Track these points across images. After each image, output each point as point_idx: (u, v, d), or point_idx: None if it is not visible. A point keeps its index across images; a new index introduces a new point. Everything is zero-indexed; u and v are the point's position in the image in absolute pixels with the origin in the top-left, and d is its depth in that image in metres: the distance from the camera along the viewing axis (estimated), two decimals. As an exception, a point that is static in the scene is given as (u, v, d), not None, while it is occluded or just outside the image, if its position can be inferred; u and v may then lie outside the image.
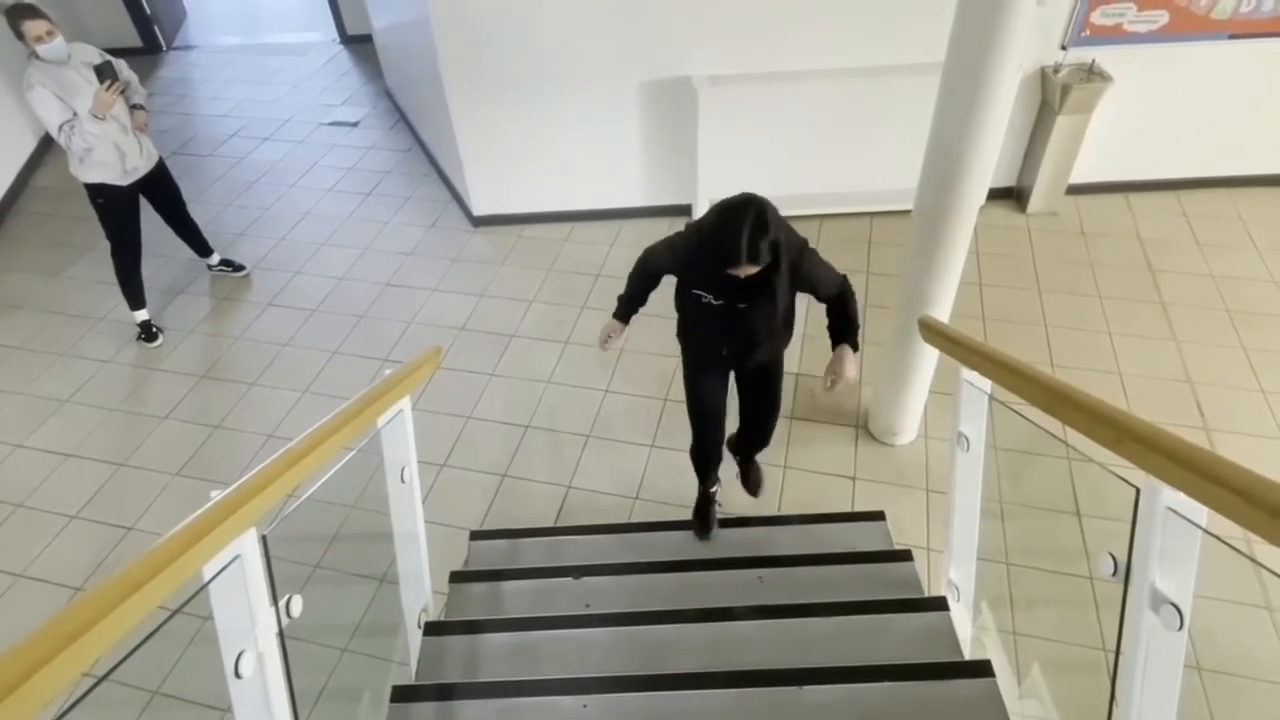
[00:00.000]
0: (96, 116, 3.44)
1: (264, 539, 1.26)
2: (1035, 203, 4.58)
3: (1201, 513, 1.13)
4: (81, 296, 4.46)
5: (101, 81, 3.42)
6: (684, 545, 2.75)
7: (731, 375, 2.64)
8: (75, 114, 3.42)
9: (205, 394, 3.84)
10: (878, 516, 2.75)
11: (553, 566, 2.59)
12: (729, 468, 3.16)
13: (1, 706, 0.71)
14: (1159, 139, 4.49)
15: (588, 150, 4.54)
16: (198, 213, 4.40)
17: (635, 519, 3.15)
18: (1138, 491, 1.22)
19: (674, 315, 2.45)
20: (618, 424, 3.55)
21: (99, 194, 3.72)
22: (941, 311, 2.88)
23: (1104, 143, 4.40)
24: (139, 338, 4.13)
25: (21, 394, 3.87)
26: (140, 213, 3.93)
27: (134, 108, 3.72)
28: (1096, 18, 4.02)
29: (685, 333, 2.52)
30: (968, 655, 2.02)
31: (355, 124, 6.05)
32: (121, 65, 3.62)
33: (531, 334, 4.08)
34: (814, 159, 4.49)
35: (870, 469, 3.28)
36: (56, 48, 3.33)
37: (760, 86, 4.17)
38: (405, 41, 5.11)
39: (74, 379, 3.94)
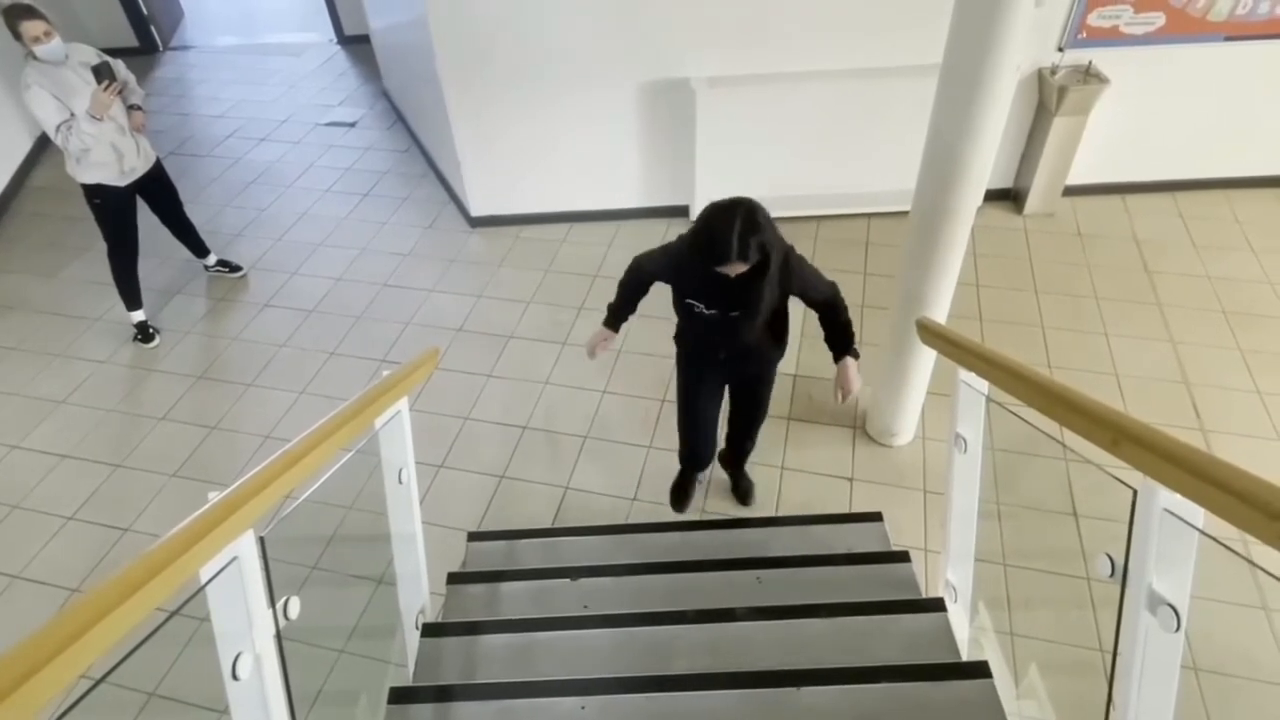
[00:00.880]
0: (94, 117, 3.43)
1: (262, 540, 1.26)
2: (1032, 204, 4.59)
3: (1198, 514, 1.13)
4: (78, 297, 4.45)
5: (99, 82, 3.41)
6: (682, 546, 2.75)
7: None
8: (72, 114, 3.41)
9: (202, 395, 3.84)
10: (875, 517, 2.75)
11: (551, 568, 2.59)
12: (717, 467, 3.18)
13: (-1, 709, 0.70)
14: (1155, 140, 4.50)
15: (585, 151, 4.54)
16: (195, 213, 4.39)
17: (633, 520, 3.15)
18: (1135, 493, 1.22)
19: (671, 316, 2.46)
20: (615, 425, 3.55)
21: (96, 194, 3.71)
22: (939, 312, 2.89)
23: (1101, 144, 4.41)
24: (135, 338, 4.13)
25: (18, 395, 3.86)
26: (137, 213, 3.92)
27: (131, 108, 3.71)
28: (1093, 20, 4.03)
29: (681, 346, 2.58)
30: (965, 656, 2.02)
31: (353, 124, 6.05)
32: (119, 65, 3.61)
33: (529, 335, 4.08)
34: (812, 160, 4.49)
35: (868, 470, 3.28)
36: (54, 48, 3.32)
37: (758, 88, 4.18)
38: (403, 42, 5.11)
39: (70, 380, 3.94)
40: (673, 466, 3.15)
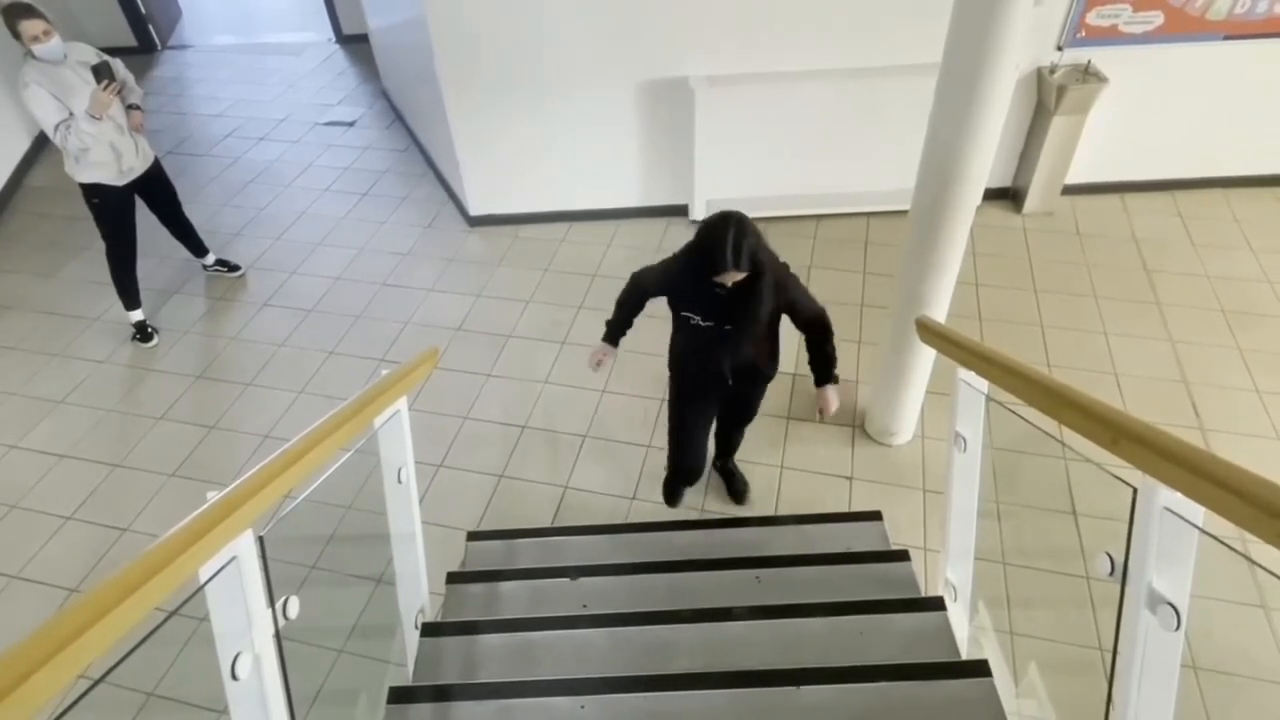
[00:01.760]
0: (93, 116, 3.43)
1: (261, 540, 1.25)
2: (1031, 203, 4.59)
3: (1198, 512, 1.13)
4: (76, 297, 4.44)
5: (99, 81, 3.40)
6: (681, 546, 2.75)
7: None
8: (71, 114, 3.40)
9: (201, 394, 3.83)
10: (875, 517, 2.75)
11: (550, 567, 2.58)
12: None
13: (-3, 709, 0.70)
14: (1154, 140, 4.51)
15: (584, 150, 4.54)
16: (193, 213, 4.39)
17: (632, 519, 3.15)
18: (1134, 491, 1.23)
19: (670, 316, 2.47)
20: (615, 424, 3.55)
21: (94, 194, 3.71)
22: (938, 312, 2.89)
23: (1100, 143, 4.41)
24: (134, 338, 4.12)
25: (16, 395, 3.86)
26: (136, 213, 3.92)
27: (130, 107, 3.70)
28: (1092, 19, 4.03)
29: (676, 361, 2.64)
30: (965, 655, 2.02)
31: (351, 124, 6.04)
32: (118, 65, 3.61)
33: (528, 334, 4.07)
34: (811, 159, 4.50)
35: (867, 469, 3.28)
36: (53, 47, 3.31)
37: (757, 87, 4.18)
38: (402, 41, 5.11)
39: (69, 379, 3.93)
40: (672, 466, 3.16)
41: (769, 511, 3.15)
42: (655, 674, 1.99)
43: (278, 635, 1.30)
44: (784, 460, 3.33)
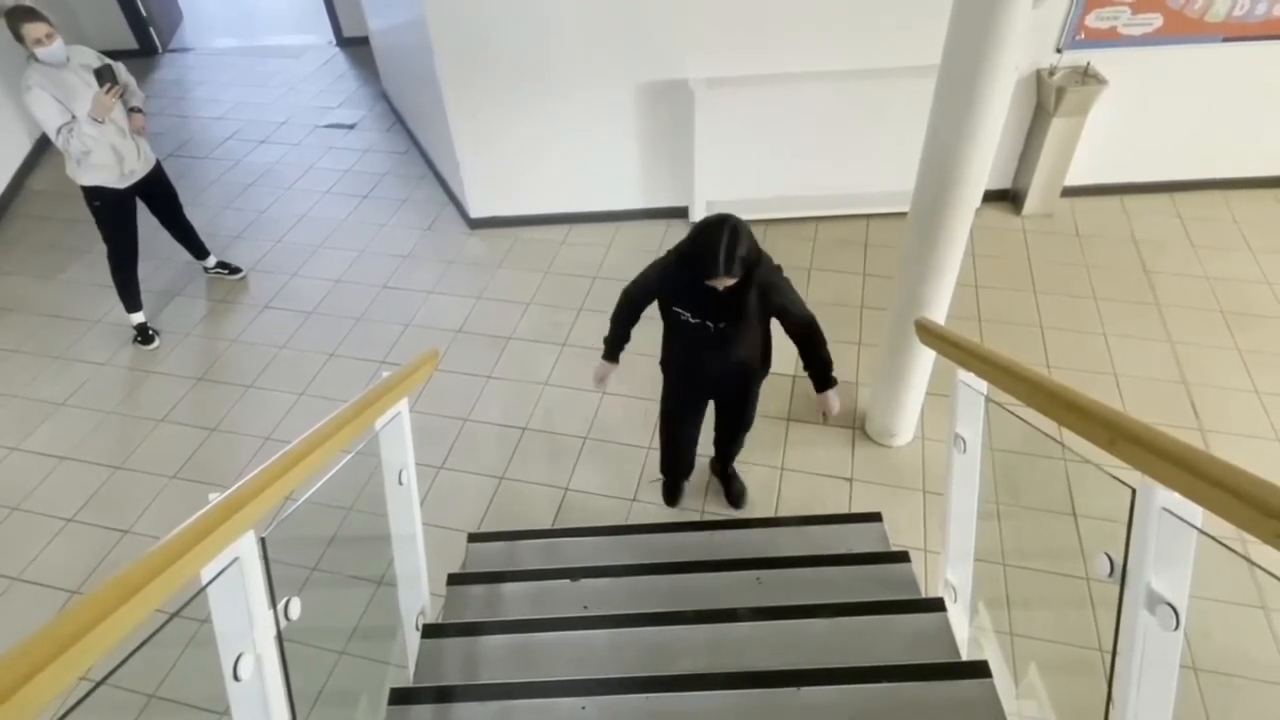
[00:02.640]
0: (95, 119, 3.43)
1: (263, 541, 1.26)
2: (1031, 205, 4.59)
3: (1197, 513, 1.13)
4: (77, 299, 4.45)
5: (101, 84, 3.41)
6: (682, 547, 2.75)
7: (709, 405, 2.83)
8: (74, 117, 3.41)
9: (202, 396, 3.84)
10: (875, 518, 2.75)
11: (551, 568, 2.59)
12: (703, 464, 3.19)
13: None
14: (1154, 141, 4.51)
15: (585, 152, 4.54)
16: (194, 215, 4.39)
17: (633, 520, 3.15)
18: (1133, 492, 1.23)
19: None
20: (615, 426, 3.55)
21: (96, 196, 3.71)
22: (938, 313, 2.89)
23: (1099, 145, 4.42)
24: (135, 340, 4.13)
25: (17, 397, 3.86)
26: (137, 215, 3.92)
27: (132, 110, 3.71)
28: (1091, 21, 4.04)
29: (668, 361, 2.65)
30: (965, 656, 2.02)
31: (352, 126, 6.05)
32: (120, 68, 3.61)
33: (529, 336, 4.08)
34: (810, 161, 4.50)
35: (867, 470, 3.29)
36: (56, 50, 3.32)
37: (757, 89, 4.18)
38: (402, 43, 5.12)
39: (70, 382, 3.94)
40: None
41: (770, 513, 3.15)
42: (656, 675, 1.99)
43: (279, 636, 1.31)
44: (784, 462, 3.34)
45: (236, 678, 1.21)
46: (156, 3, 7.20)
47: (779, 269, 2.36)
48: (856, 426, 3.47)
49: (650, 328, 2.61)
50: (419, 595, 2.19)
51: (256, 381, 3.89)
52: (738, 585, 2.42)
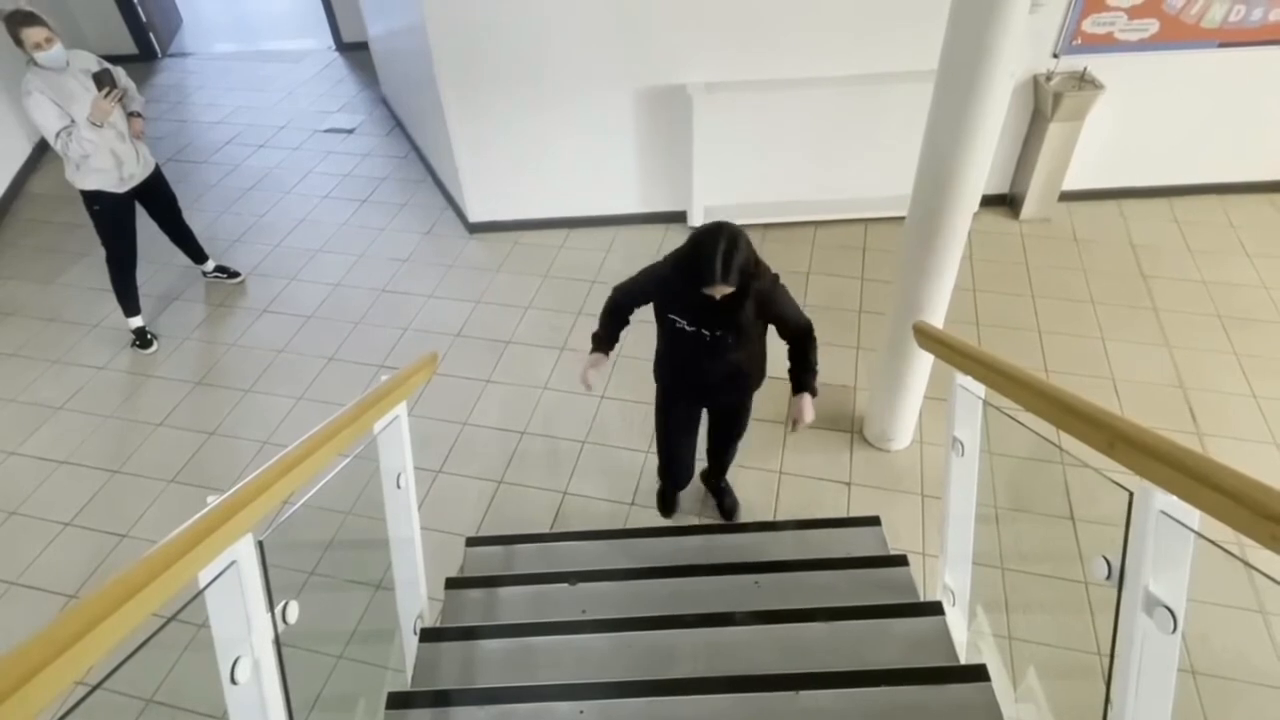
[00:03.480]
0: (94, 124, 3.44)
1: (261, 545, 1.26)
2: (1028, 209, 4.61)
3: (1194, 516, 1.13)
4: (76, 303, 4.45)
5: (100, 89, 3.42)
6: (680, 551, 2.75)
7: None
8: (73, 121, 3.42)
9: (200, 400, 3.83)
10: (873, 521, 2.75)
11: (549, 572, 2.58)
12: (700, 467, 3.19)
13: (-4, 713, 0.71)
14: (1150, 146, 4.52)
15: (583, 157, 4.55)
16: (193, 219, 4.40)
17: (631, 525, 3.15)
18: (1131, 495, 1.23)
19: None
20: (614, 430, 3.55)
21: (95, 201, 3.72)
22: (936, 317, 2.90)
23: (1096, 150, 4.43)
24: (133, 344, 4.12)
25: (15, 401, 3.86)
26: (136, 219, 3.93)
27: (131, 115, 3.72)
28: (1088, 26, 4.05)
29: (661, 368, 2.64)
30: (963, 659, 2.02)
31: (351, 131, 6.06)
32: (119, 73, 3.62)
33: (527, 340, 4.08)
34: (809, 166, 4.51)
35: (865, 474, 3.29)
36: (55, 55, 3.33)
37: (755, 94, 4.19)
38: (401, 48, 5.13)
39: (68, 386, 3.93)
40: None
41: (768, 516, 3.15)
42: (654, 679, 1.99)
43: (277, 640, 1.31)
44: (782, 466, 3.34)
45: (234, 681, 1.21)
46: (156, 7, 7.21)
47: (776, 278, 2.32)
48: (855, 430, 3.47)
49: (649, 331, 2.61)
50: (417, 599, 2.19)
51: (255, 385, 3.89)
52: (736, 589, 2.42)
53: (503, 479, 3.37)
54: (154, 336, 4.17)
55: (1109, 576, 1.30)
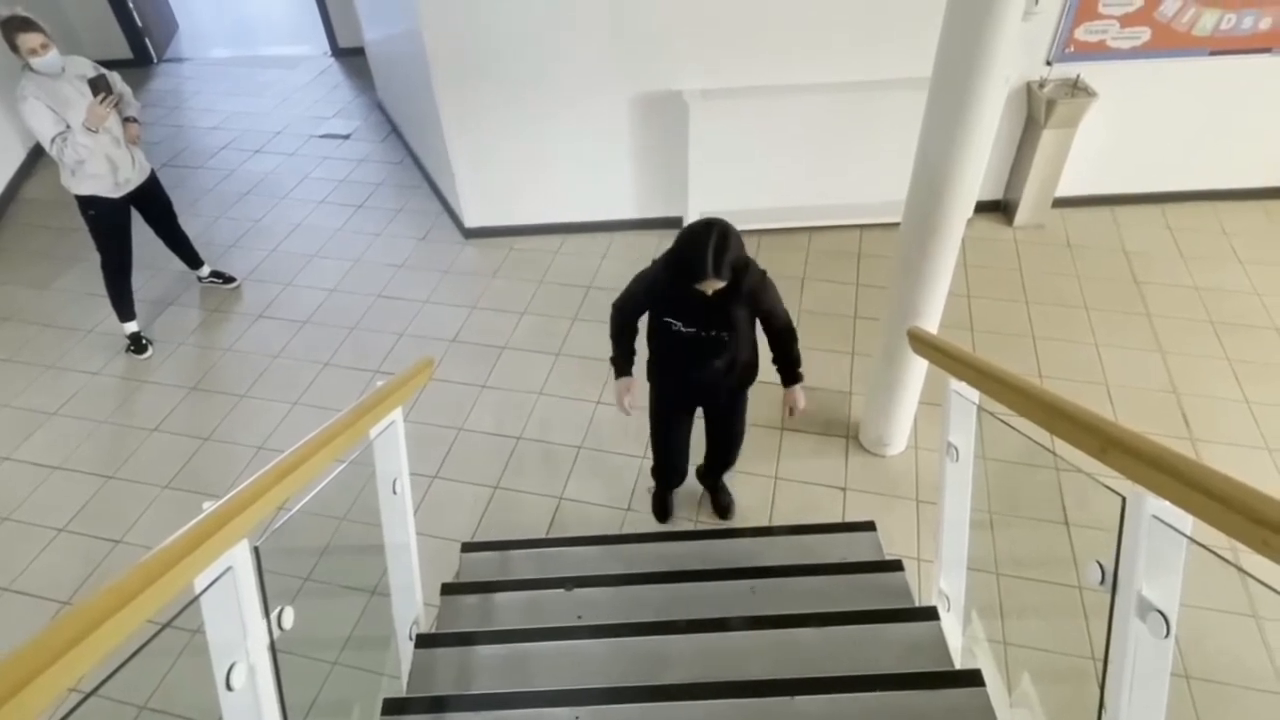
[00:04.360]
0: (89, 129, 3.44)
1: (256, 551, 1.26)
2: (1022, 215, 4.63)
3: (1187, 521, 1.14)
4: (70, 308, 4.43)
5: (95, 94, 3.42)
6: (676, 556, 2.75)
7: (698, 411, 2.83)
8: (68, 126, 3.41)
9: (195, 406, 3.82)
10: (868, 527, 2.75)
11: (545, 578, 2.58)
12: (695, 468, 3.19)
13: (-10, 720, 0.70)
14: (1143, 153, 4.55)
15: (579, 163, 4.56)
16: (189, 225, 4.40)
17: (627, 530, 3.15)
18: (1124, 500, 1.24)
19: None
20: (609, 435, 3.55)
21: (90, 206, 3.71)
22: (930, 323, 2.91)
23: (1089, 156, 4.46)
24: (128, 349, 4.11)
25: (9, 406, 3.85)
26: (131, 225, 3.92)
27: (127, 120, 3.72)
28: (1080, 34, 4.08)
29: (656, 369, 2.66)
30: (958, 665, 2.02)
31: (347, 136, 6.06)
32: (115, 78, 3.62)
33: (523, 346, 4.08)
34: (804, 172, 4.53)
35: (861, 479, 3.29)
36: (51, 60, 3.33)
37: (750, 100, 4.21)
38: (397, 54, 5.14)
39: (62, 391, 3.92)
40: (664, 477, 3.16)
41: (764, 522, 3.15)
42: (650, 685, 1.99)
43: (272, 646, 1.30)
44: (778, 471, 3.34)
45: (229, 688, 1.20)
46: (152, 13, 7.21)
47: (765, 274, 2.36)
48: (850, 436, 3.48)
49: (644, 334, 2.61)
50: (412, 605, 2.19)
51: (250, 391, 3.89)
52: (731, 594, 2.42)
53: (498, 484, 3.37)
54: (149, 342, 4.16)
55: (1102, 581, 1.30)
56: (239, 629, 1.21)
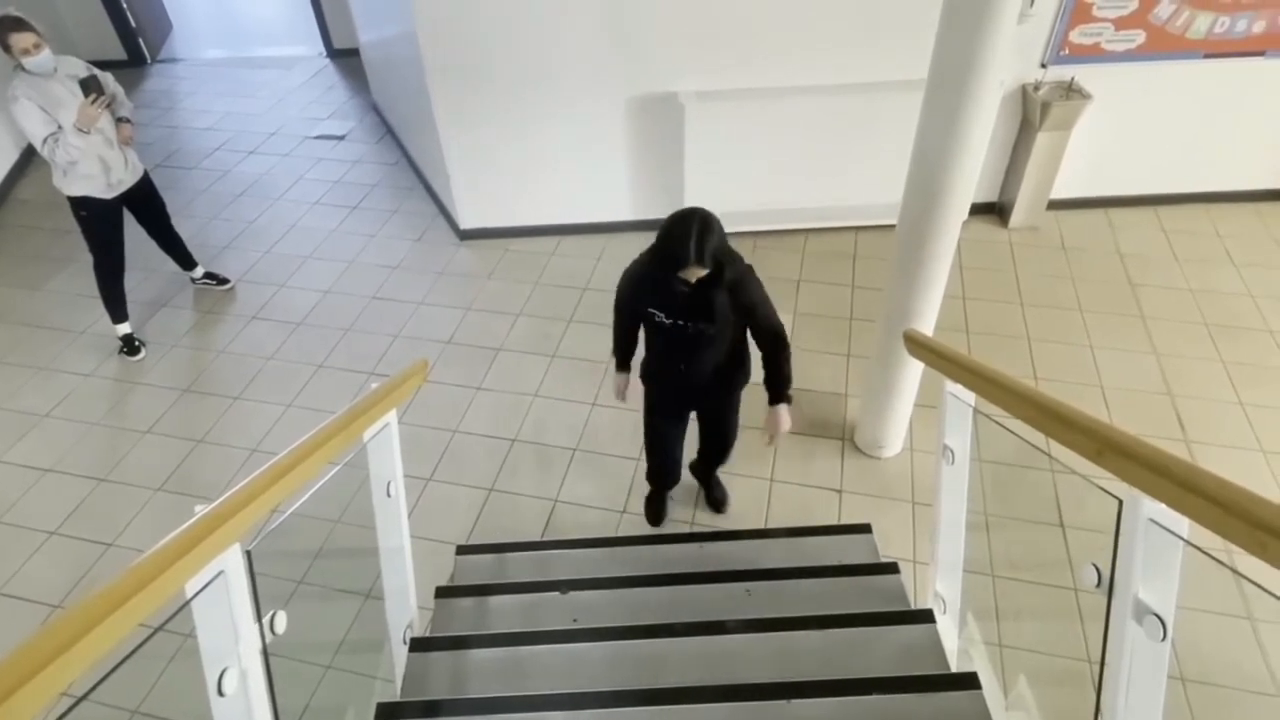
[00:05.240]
0: (80, 130, 3.42)
1: (248, 554, 1.25)
2: (1017, 218, 4.64)
3: (1183, 524, 1.14)
4: (62, 310, 4.41)
5: (87, 95, 3.40)
6: (671, 559, 2.75)
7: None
8: (60, 127, 3.40)
9: (188, 408, 3.80)
10: (864, 529, 2.75)
11: (540, 581, 2.58)
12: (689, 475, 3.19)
13: (-21, 726, 0.70)
14: (1137, 155, 4.57)
15: (575, 164, 4.56)
16: (182, 226, 4.38)
17: (623, 532, 3.15)
18: (1120, 503, 1.24)
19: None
20: (605, 437, 3.55)
21: (82, 207, 3.69)
22: (926, 325, 2.91)
23: (1084, 159, 4.47)
24: (121, 351, 4.09)
25: (0, 408, 3.82)
26: (124, 226, 3.90)
27: (119, 121, 3.70)
28: (1075, 37, 4.10)
29: (647, 368, 2.68)
30: (954, 667, 2.02)
31: (342, 137, 6.05)
32: (107, 79, 3.61)
33: (518, 347, 4.07)
34: (799, 174, 4.53)
35: (856, 482, 3.29)
36: (43, 60, 3.31)
37: (746, 102, 4.21)
38: (392, 55, 5.13)
39: (54, 393, 3.90)
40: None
41: (759, 524, 3.15)
42: (646, 688, 1.98)
43: (265, 650, 1.29)
44: (773, 473, 3.34)
45: (221, 693, 1.19)
46: (146, 13, 7.19)
47: (750, 268, 2.34)
48: (846, 438, 3.48)
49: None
50: (407, 608, 2.18)
51: (244, 393, 3.87)
52: (727, 597, 2.42)
53: (493, 487, 3.36)
54: (141, 343, 4.14)
55: (1099, 584, 1.30)
56: (231, 634, 1.20)
